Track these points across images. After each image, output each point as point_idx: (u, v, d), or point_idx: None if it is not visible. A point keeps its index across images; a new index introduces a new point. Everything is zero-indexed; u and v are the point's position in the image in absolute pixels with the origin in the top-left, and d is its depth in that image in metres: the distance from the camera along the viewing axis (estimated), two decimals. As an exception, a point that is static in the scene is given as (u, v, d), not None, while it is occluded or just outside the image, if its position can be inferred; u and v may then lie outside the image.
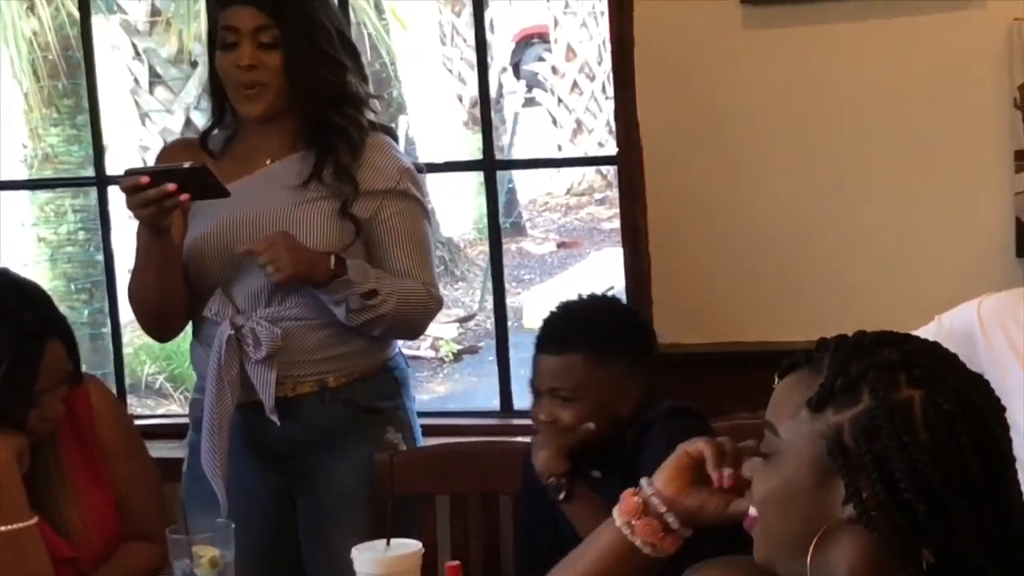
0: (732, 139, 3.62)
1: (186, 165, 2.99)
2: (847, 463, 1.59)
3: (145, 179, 2.95)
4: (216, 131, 3.31)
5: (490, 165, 4.08)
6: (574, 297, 2.92)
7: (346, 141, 3.19)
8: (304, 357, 3.18)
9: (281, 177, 3.21)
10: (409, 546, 2.61)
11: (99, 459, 2.90)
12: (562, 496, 2.73)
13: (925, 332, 2.81)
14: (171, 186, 2.94)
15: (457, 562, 2.36)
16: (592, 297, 2.93)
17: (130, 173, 3.01)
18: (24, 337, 2.72)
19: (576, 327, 2.82)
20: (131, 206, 3.01)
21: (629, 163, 3.67)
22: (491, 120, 4.12)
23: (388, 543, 2.60)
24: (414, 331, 3.36)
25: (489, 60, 12.66)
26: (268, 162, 3.23)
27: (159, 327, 3.32)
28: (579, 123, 13.44)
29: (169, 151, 3.37)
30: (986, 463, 1.59)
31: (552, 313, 2.89)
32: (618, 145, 3.70)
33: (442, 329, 9.64)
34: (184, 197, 2.97)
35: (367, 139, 3.23)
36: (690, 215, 3.66)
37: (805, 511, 1.63)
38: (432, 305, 3.25)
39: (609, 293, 2.93)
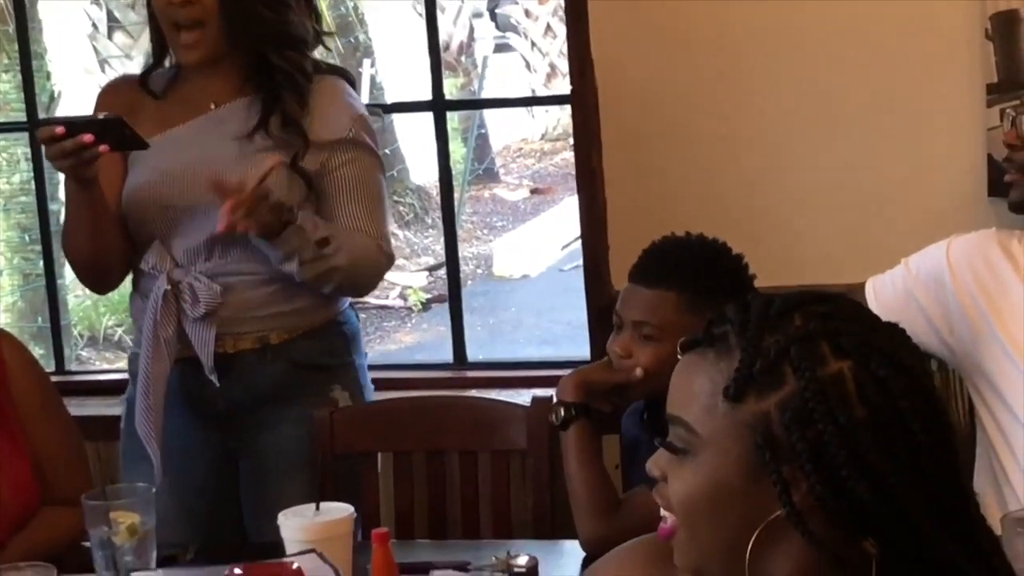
0: (693, 78, 3.49)
1: (101, 116, 2.90)
2: (776, 456, 1.41)
3: (60, 130, 2.83)
4: (158, 71, 3.17)
5: (439, 105, 3.92)
6: (680, 233, 2.76)
7: (291, 87, 3.04)
8: (245, 314, 3.04)
9: (225, 125, 3.06)
10: (339, 510, 2.48)
11: (13, 420, 2.74)
12: (556, 422, 2.68)
13: (892, 276, 2.74)
14: (87, 137, 2.82)
15: (385, 529, 2.20)
16: (700, 237, 2.75)
17: (46, 123, 2.90)
18: None
19: (677, 262, 2.68)
20: (50, 157, 2.89)
21: (584, 103, 3.53)
22: (440, 59, 3.97)
23: (318, 507, 2.46)
24: (363, 289, 3.22)
25: (461, 3, 12.52)
26: (213, 107, 3.08)
27: (95, 279, 3.21)
28: (553, 67, 13.30)
29: (109, 91, 3.23)
30: (929, 429, 1.42)
31: (655, 244, 2.74)
32: (572, 84, 3.55)
33: (411, 278, 9.51)
34: (103, 148, 2.85)
35: (317, 83, 3.08)
36: (648, 157, 3.54)
37: (738, 512, 1.44)
38: (383, 261, 3.10)
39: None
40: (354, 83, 3.19)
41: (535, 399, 3.04)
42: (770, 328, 1.45)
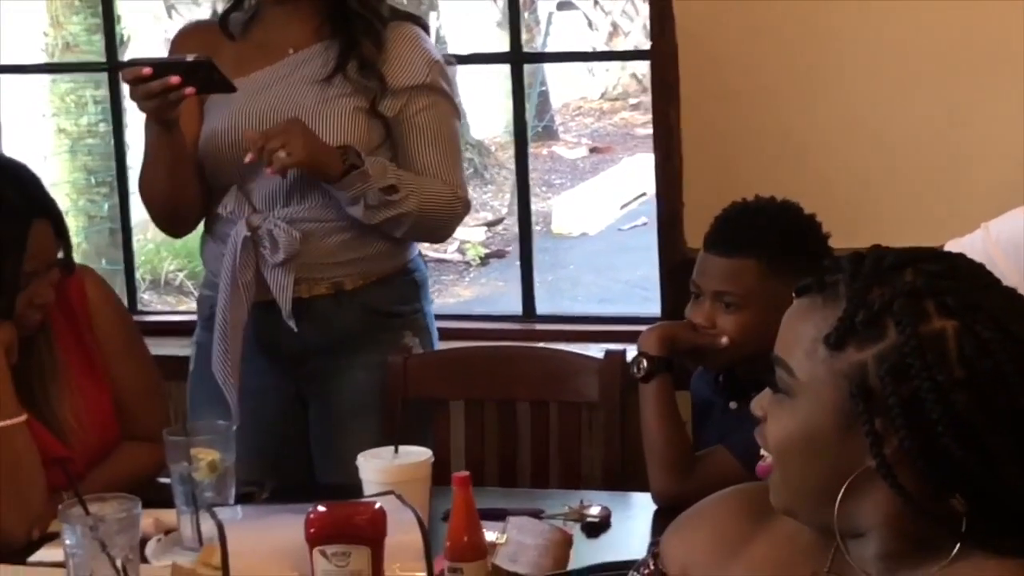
0: (773, 37, 3.48)
1: (190, 58, 2.89)
2: (870, 407, 1.42)
3: (147, 70, 2.84)
4: (237, 12, 3.17)
5: (517, 58, 3.93)
6: (750, 197, 2.74)
7: (368, 31, 3.04)
8: (321, 260, 3.06)
9: (304, 70, 3.07)
10: (418, 454, 2.51)
11: (96, 354, 2.77)
12: (639, 374, 2.67)
13: (971, 240, 2.70)
14: (174, 79, 2.83)
15: (466, 472, 2.22)
16: (772, 200, 2.73)
17: (133, 64, 2.89)
18: (7, 216, 2.58)
19: (753, 229, 2.66)
20: (135, 98, 2.90)
21: (663, 59, 3.53)
22: (519, 11, 3.94)
23: (396, 450, 2.49)
24: (439, 234, 3.24)
25: (524, -42, 12.43)
26: (291, 51, 3.09)
27: (172, 222, 3.21)
28: (615, 26, 13.22)
29: (184, 35, 3.24)
30: None
31: (727, 211, 2.73)
32: (651, 40, 3.55)
33: (470, 232, 9.51)
34: (189, 91, 2.85)
35: (393, 29, 3.08)
36: (726, 115, 3.54)
37: (830, 459, 1.46)
38: (458, 208, 3.10)
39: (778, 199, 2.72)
40: (427, 29, 3.19)
41: (608, 353, 3.05)
42: (880, 281, 1.45)
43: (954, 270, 1.48)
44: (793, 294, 1.53)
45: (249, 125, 3.01)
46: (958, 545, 1.44)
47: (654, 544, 1.73)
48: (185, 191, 3.08)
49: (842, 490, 1.45)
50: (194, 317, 3.28)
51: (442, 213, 3.07)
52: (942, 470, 1.41)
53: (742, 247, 2.65)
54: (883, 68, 3.41)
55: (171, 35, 3.30)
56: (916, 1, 3.36)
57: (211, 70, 2.85)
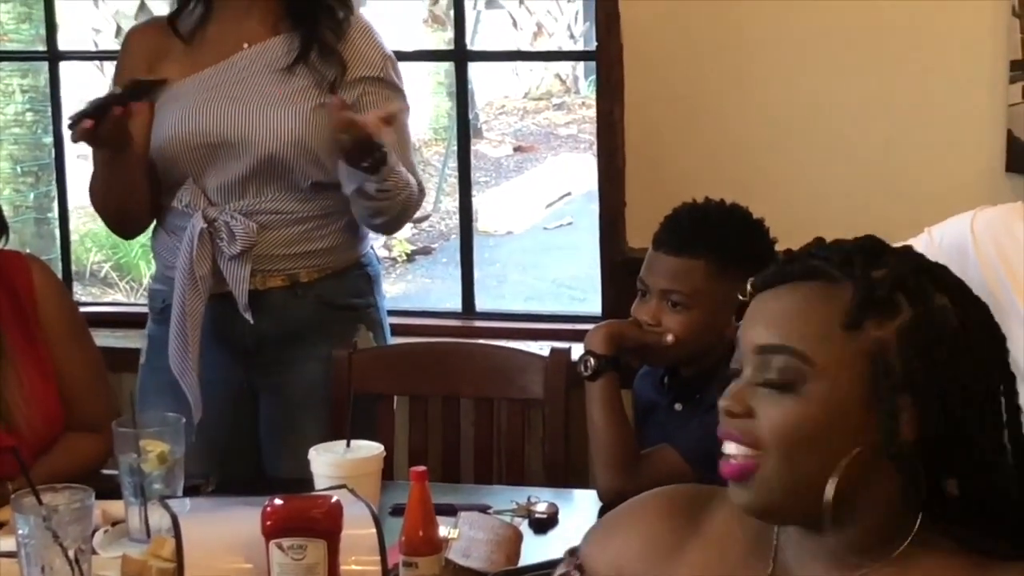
0: (718, 39, 3.49)
1: (118, 90, 2.96)
2: (891, 384, 1.45)
3: (89, 123, 2.86)
4: (187, 10, 3.13)
5: (461, 56, 3.92)
6: (697, 199, 2.77)
7: (331, 20, 3.04)
8: (277, 251, 3.06)
9: (261, 62, 3.06)
10: (370, 448, 2.51)
11: (42, 343, 2.75)
12: (586, 372, 2.68)
13: (915, 244, 2.71)
14: (118, 110, 2.86)
15: (423, 467, 2.23)
16: (722, 203, 2.76)
17: (73, 124, 2.89)
18: None
19: (703, 230, 2.69)
20: (97, 146, 2.97)
21: (608, 58, 3.54)
22: (464, 9, 3.93)
23: (348, 444, 2.49)
24: (403, 224, 3.25)
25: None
26: (245, 46, 3.07)
27: (124, 227, 3.22)
28: (539, 26, 13.24)
29: (135, 35, 3.22)
30: (1005, 373, 1.50)
31: (677, 211, 2.76)
32: (598, 39, 3.56)
33: (396, 229, 9.51)
34: (138, 106, 2.93)
35: (352, 19, 3.07)
36: (670, 115, 3.55)
37: (834, 443, 1.46)
38: (421, 199, 3.13)
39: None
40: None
41: (554, 350, 3.07)
42: (875, 263, 1.50)
43: (917, 255, 1.55)
44: (749, 285, 1.55)
45: (207, 118, 3.01)
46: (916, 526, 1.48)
47: (572, 552, 1.72)
48: (141, 196, 3.08)
49: (840, 472, 1.45)
50: (121, 309, 3.27)
51: (413, 202, 3.08)
52: (944, 448, 1.45)
53: (691, 247, 2.68)
54: (826, 77, 3.43)
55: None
56: (861, 14, 3.39)
57: (139, 86, 2.94)
